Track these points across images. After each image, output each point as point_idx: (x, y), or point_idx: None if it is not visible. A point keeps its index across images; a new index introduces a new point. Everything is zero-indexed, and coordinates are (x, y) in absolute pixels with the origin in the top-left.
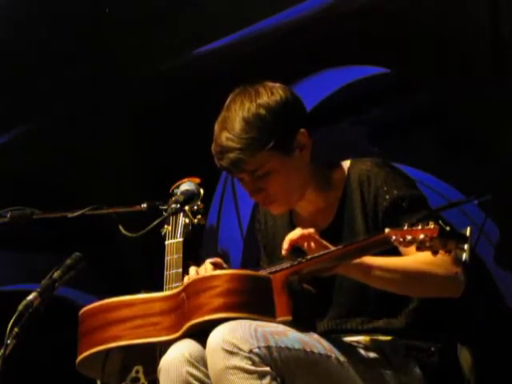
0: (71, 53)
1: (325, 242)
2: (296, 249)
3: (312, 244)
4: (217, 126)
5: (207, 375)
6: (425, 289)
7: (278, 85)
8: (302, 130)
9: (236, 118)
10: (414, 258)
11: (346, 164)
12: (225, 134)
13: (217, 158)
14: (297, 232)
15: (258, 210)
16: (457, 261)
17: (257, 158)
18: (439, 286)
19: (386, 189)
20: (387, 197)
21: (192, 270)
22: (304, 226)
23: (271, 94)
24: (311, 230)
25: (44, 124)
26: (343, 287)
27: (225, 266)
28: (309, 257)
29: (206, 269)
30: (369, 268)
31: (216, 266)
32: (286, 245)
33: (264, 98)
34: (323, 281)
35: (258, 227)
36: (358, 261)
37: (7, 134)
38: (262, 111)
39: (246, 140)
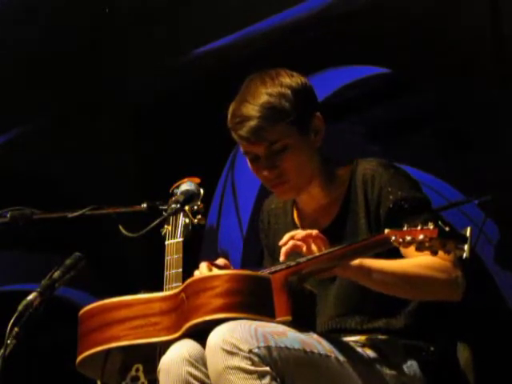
0: (71, 53)
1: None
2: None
3: (313, 247)
4: (234, 103)
5: (207, 375)
6: (425, 293)
7: (295, 72)
8: (319, 114)
9: (258, 92)
10: (415, 262)
11: (351, 163)
12: (246, 105)
13: (235, 128)
14: (301, 232)
15: (261, 210)
16: (457, 264)
17: (277, 129)
18: (439, 291)
19: (390, 189)
20: (391, 197)
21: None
22: (306, 223)
23: (291, 76)
24: (317, 231)
25: (44, 124)
26: (343, 287)
27: (229, 265)
28: (308, 257)
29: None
30: (368, 271)
31: (220, 266)
32: (284, 239)
33: (286, 79)
34: (323, 280)
35: (261, 227)
36: (357, 263)
37: (7, 134)
38: (285, 89)
39: (268, 110)
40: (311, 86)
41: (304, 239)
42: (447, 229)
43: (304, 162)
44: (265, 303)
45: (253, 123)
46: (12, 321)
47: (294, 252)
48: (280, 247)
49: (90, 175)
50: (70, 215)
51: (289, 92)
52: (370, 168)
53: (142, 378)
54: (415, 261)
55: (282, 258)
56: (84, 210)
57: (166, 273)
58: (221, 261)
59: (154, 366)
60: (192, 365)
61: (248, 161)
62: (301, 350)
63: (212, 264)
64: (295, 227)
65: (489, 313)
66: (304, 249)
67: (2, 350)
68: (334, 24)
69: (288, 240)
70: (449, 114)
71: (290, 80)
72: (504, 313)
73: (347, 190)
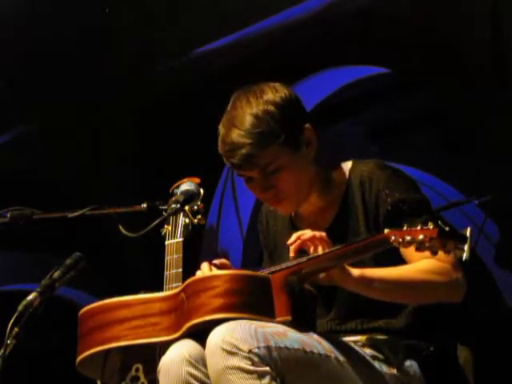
0: (71, 53)
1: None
2: (300, 250)
3: (320, 248)
4: (223, 127)
5: (207, 375)
6: (426, 297)
7: (278, 84)
8: (308, 125)
9: (244, 114)
10: (414, 268)
11: (348, 165)
12: (234, 131)
13: (227, 156)
14: (308, 232)
15: (260, 211)
16: (457, 265)
17: (268, 153)
18: (441, 294)
19: (387, 192)
20: (389, 200)
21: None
22: (305, 225)
23: (275, 91)
24: (323, 234)
25: (44, 124)
26: (343, 288)
27: (230, 265)
28: (308, 256)
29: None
30: (370, 281)
31: (220, 267)
32: (292, 238)
33: (270, 95)
34: None
35: (260, 228)
36: (358, 274)
37: (7, 134)
38: (270, 107)
39: (257, 135)
40: (296, 96)
41: (311, 240)
42: (447, 229)
43: (300, 177)
44: (265, 303)
45: (243, 151)
46: (12, 321)
47: (301, 250)
48: (281, 248)
49: (90, 175)
50: (70, 215)
51: (274, 110)
52: (366, 170)
53: (142, 378)
54: (414, 266)
55: (291, 254)
56: (84, 210)
57: (166, 273)
58: (221, 261)
59: (154, 366)
60: (192, 365)
61: (244, 181)
62: (301, 350)
63: (213, 264)
64: (293, 228)
65: (489, 313)
66: (311, 249)
67: (2, 350)
68: (334, 24)
69: (296, 239)
70: (449, 113)
71: (273, 96)
72: (504, 313)
73: (344, 193)
